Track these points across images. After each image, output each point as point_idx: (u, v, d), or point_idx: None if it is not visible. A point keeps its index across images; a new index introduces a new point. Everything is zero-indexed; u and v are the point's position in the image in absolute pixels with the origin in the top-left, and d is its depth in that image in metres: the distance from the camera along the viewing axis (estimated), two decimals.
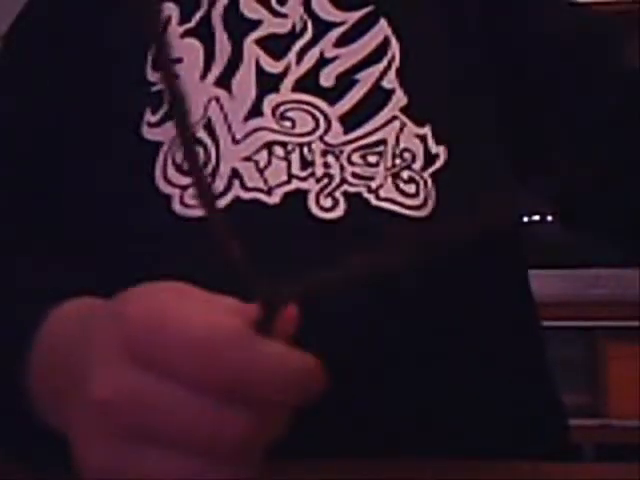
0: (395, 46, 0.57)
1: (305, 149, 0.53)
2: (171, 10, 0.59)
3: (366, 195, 0.52)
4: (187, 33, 0.58)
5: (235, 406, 0.31)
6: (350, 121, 0.55)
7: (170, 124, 0.55)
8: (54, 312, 0.41)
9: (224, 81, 0.56)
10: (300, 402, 0.32)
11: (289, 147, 0.54)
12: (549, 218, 2.17)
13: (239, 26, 0.58)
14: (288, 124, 0.54)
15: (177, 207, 0.52)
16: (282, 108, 0.55)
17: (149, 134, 0.55)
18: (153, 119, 0.56)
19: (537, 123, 0.58)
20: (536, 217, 2.17)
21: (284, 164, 0.53)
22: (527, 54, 0.58)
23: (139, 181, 0.54)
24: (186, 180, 0.53)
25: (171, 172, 0.53)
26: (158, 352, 0.31)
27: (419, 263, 0.28)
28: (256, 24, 0.58)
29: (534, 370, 0.60)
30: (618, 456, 1.83)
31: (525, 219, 2.19)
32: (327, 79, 0.56)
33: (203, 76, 0.56)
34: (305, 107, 0.55)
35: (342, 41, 0.57)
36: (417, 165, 0.53)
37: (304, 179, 0.53)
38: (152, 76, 0.57)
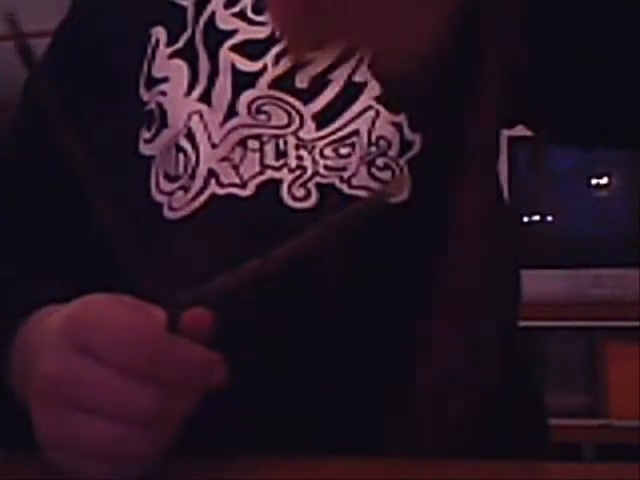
0: None
1: (280, 141, 0.55)
2: (159, 34, 0.61)
3: (339, 185, 0.53)
4: (174, 54, 0.60)
5: (147, 384, 0.39)
6: (324, 118, 0.56)
7: (160, 139, 0.57)
8: (34, 315, 0.48)
9: (205, 97, 0.58)
10: (201, 389, 0.41)
11: (264, 139, 0.55)
12: (549, 218, 2.17)
13: (215, 39, 0.59)
14: (263, 117, 0.56)
15: (167, 213, 0.55)
16: (258, 102, 0.56)
17: (144, 150, 0.57)
18: (148, 136, 0.58)
19: None
20: (536, 217, 2.17)
21: (258, 155, 0.55)
22: None
23: (136, 194, 0.56)
24: (172, 186, 0.56)
25: (161, 181, 0.56)
26: (92, 341, 0.40)
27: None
28: (231, 33, 0.59)
29: (513, 368, 0.60)
30: (618, 456, 1.83)
31: (525, 219, 2.19)
32: (302, 81, 0.57)
33: (187, 93, 0.58)
34: (280, 104, 0.56)
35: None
36: (392, 152, 0.54)
37: (278, 169, 0.54)
38: (145, 96, 0.59)
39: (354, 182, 0.53)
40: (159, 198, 0.56)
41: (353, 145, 0.54)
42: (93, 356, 0.40)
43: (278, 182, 0.54)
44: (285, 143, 0.55)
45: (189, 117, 0.57)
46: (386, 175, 0.53)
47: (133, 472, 0.41)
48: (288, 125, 0.55)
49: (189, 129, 0.57)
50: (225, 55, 0.59)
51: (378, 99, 0.55)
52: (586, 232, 2.14)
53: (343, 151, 0.54)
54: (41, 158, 0.61)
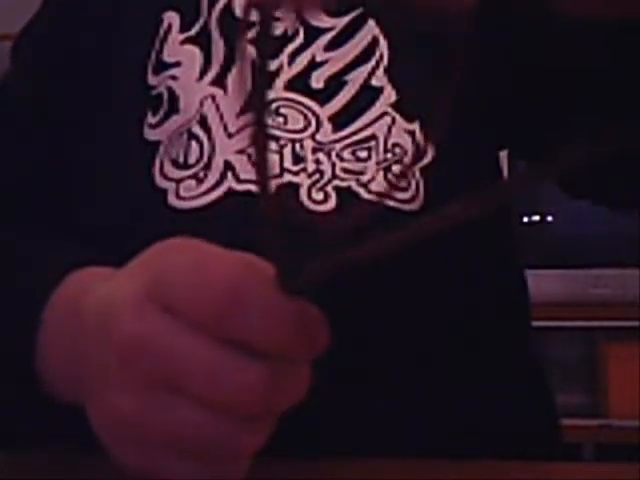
0: (383, 45, 0.58)
1: (297, 145, 0.55)
2: (172, 19, 0.60)
3: (356, 189, 0.53)
4: (187, 40, 0.59)
5: (256, 359, 0.31)
6: (340, 120, 0.55)
7: (168, 124, 0.56)
8: (70, 277, 0.41)
9: (220, 80, 0.57)
10: (307, 357, 0.33)
11: (282, 142, 0.55)
12: (549, 218, 2.17)
13: (233, 27, 0.59)
14: (281, 120, 0.55)
15: (173, 200, 0.54)
16: (275, 104, 0.56)
17: (149, 135, 0.56)
18: (153, 120, 0.57)
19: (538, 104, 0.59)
20: (536, 217, 2.17)
21: (276, 157, 0.54)
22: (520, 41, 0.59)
23: (138, 179, 0.55)
24: (181, 174, 0.54)
25: (167, 167, 0.55)
26: (183, 300, 0.32)
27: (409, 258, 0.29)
28: (249, 25, 0.59)
29: (526, 369, 0.60)
30: (618, 456, 1.83)
31: (525, 219, 2.20)
32: (317, 81, 0.57)
33: (200, 77, 0.57)
34: (296, 106, 0.56)
35: (332, 45, 0.58)
36: (407, 160, 0.54)
37: (296, 173, 0.54)
38: (152, 80, 0.58)
39: (372, 187, 0.53)
40: (164, 184, 0.54)
41: (370, 149, 0.54)
42: (186, 320, 0.31)
43: (297, 186, 0.53)
44: (302, 147, 0.54)
45: (202, 102, 0.56)
46: (401, 182, 0.53)
47: (230, 474, 0.34)
48: (305, 128, 0.55)
49: (202, 116, 0.56)
50: (244, 47, 0.58)
51: (393, 106, 0.56)
52: (586, 232, 2.14)
53: (361, 154, 0.54)
54: (30, 126, 0.61)
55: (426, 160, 0.54)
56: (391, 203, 0.53)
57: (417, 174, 0.54)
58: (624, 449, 1.84)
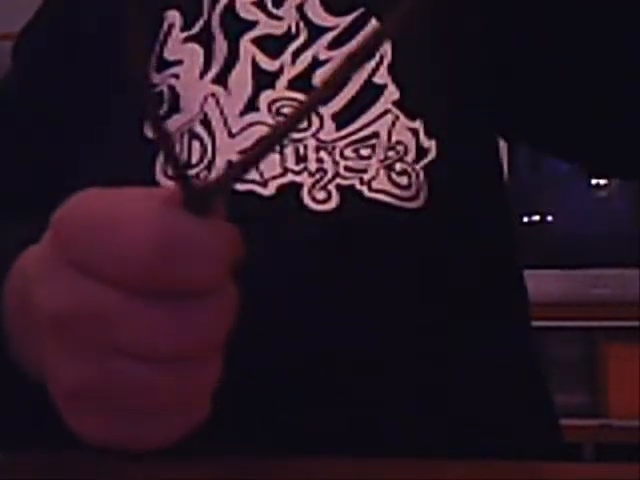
0: (386, 43, 0.58)
1: (299, 145, 0.55)
2: (174, 17, 0.60)
3: (359, 187, 0.53)
4: (189, 39, 0.59)
5: (187, 303, 0.30)
6: (343, 118, 0.55)
7: (170, 123, 0.56)
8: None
9: (221, 79, 0.57)
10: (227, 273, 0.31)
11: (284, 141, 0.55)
12: (549, 218, 2.17)
13: (236, 27, 0.59)
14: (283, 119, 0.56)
15: None
16: (277, 104, 0.56)
17: (150, 133, 0.56)
18: None
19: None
20: (536, 217, 2.17)
21: (278, 157, 0.54)
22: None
23: (140, 177, 0.55)
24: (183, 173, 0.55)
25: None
26: (85, 255, 0.30)
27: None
28: (252, 24, 0.59)
29: (526, 369, 0.60)
30: (618, 456, 1.83)
31: (525, 219, 2.20)
32: (320, 80, 0.57)
33: (201, 75, 0.58)
34: (299, 105, 0.56)
35: (335, 44, 0.58)
36: (409, 158, 0.54)
37: (298, 173, 0.54)
38: (155, 78, 0.58)
39: (374, 185, 0.53)
40: (166, 183, 0.54)
41: (373, 147, 0.54)
42: (112, 281, 0.30)
43: (299, 185, 0.53)
44: (305, 147, 0.54)
45: (204, 101, 0.57)
46: (403, 180, 0.54)
47: (196, 417, 0.32)
48: (307, 127, 0.55)
49: (205, 115, 0.56)
50: (246, 46, 0.58)
51: (396, 104, 0.56)
52: (586, 232, 2.14)
53: (363, 152, 0.54)
54: (33, 121, 0.61)
55: (428, 158, 0.55)
56: (393, 201, 0.53)
57: (420, 172, 0.54)
58: (624, 449, 1.84)
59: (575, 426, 1.92)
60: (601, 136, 0.59)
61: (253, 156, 0.29)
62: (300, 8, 0.59)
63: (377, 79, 0.57)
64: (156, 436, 0.32)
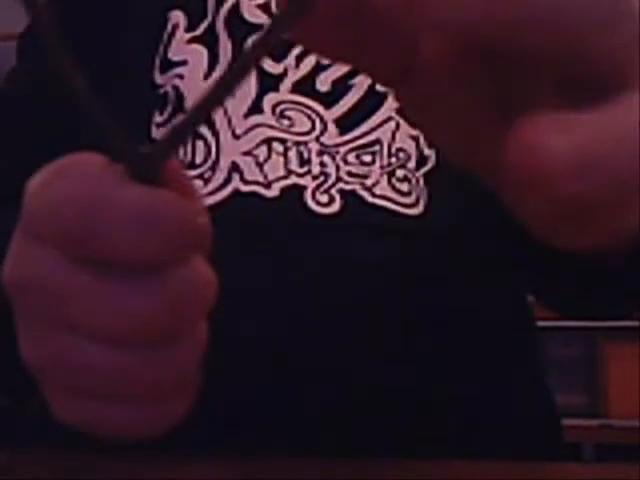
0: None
1: (302, 148, 0.55)
2: (179, 18, 0.60)
3: (361, 192, 0.54)
4: (193, 40, 0.60)
5: (140, 274, 0.27)
6: (345, 123, 0.56)
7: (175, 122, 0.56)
8: None
9: None
10: (195, 250, 0.28)
11: (288, 144, 0.55)
12: None
13: (241, 29, 0.59)
14: (287, 122, 0.56)
15: None
16: (281, 107, 0.56)
17: (156, 134, 0.57)
18: (160, 119, 0.57)
19: None
20: None
21: (282, 159, 0.55)
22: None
23: None
24: (188, 174, 0.55)
25: None
26: (38, 221, 0.28)
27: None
28: (257, 27, 0.59)
29: (529, 369, 0.60)
30: (618, 456, 1.83)
31: None
32: (323, 84, 0.57)
33: (206, 76, 0.58)
34: (302, 109, 0.56)
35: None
36: (411, 165, 0.55)
37: (301, 175, 0.54)
38: (159, 79, 0.59)
39: (376, 191, 0.54)
40: None
41: (375, 153, 0.55)
42: (49, 246, 0.27)
43: (302, 188, 0.54)
44: (308, 150, 0.55)
45: None
46: (404, 187, 0.54)
47: (169, 413, 0.29)
48: (311, 131, 0.55)
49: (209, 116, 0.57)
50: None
51: (398, 111, 0.56)
52: None
53: (365, 158, 0.55)
54: (40, 109, 0.62)
55: (428, 166, 0.55)
56: (394, 207, 0.53)
57: (420, 179, 0.54)
58: (624, 449, 1.84)
59: (575, 426, 1.92)
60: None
61: (193, 117, 0.27)
62: None
63: (380, 86, 0.57)
64: (127, 423, 0.29)
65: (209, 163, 0.55)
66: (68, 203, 0.26)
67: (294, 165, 0.54)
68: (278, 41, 0.25)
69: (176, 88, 0.57)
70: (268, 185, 0.54)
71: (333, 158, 0.54)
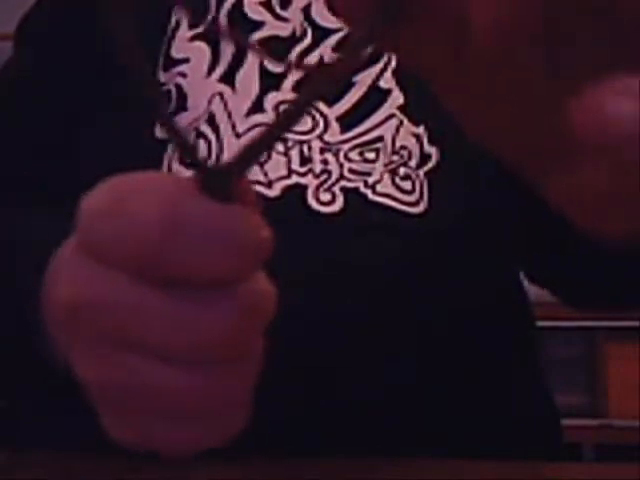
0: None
1: (304, 147, 0.55)
2: (181, 15, 0.60)
3: (363, 190, 0.54)
4: (196, 37, 0.59)
5: (208, 294, 0.27)
6: (348, 121, 0.56)
7: (178, 120, 0.56)
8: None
9: (228, 78, 0.57)
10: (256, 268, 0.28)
11: (289, 143, 0.55)
12: None
13: (243, 26, 0.59)
14: None
15: None
16: (283, 106, 0.56)
17: (159, 132, 0.56)
18: None
19: None
20: None
21: (284, 159, 0.54)
22: None
23: (146, 161, 0.55)
24: (189, 173, 0.54)
25: (175, 166, 0.55)
26: (105, 243, 0.27)
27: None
28: (259, 25, 0.59)
29: (528, 370, 0.60)
30: (618, 456, 1.83)
31: None
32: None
33: (208, 74, 0.58)
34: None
35: (341, 46, 0.58)
36: (413, 163, 0.55)
37: (303, 174, 0.54)
38: (162, 77, 0.58)
39: (378, 189, 0.54)
40: (180, 170, 0.55)
41: (378, 151, 0.55)
42: (119, 268, 0.27)
43: (303, 187, 0.54)
44: (310, 148, 0.55)
45: (210, 100, 0.57)
46: (406, 185, 0.54)
47: (229, 427, 0.30)
48: (313, 129, 0.55)
49: (211, 114, 0.56)
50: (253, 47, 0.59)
51: (401, 108, 0.56)
52: None
53: (368, 156, 0.55)
54: (40, 98, 0.61)
55: (430, 164, 0.55)
56: (396, 205, 0.53)
57: (422, 177, 0.54)
58: (624, 449, 1.84)
59: (575, 426, 1.92)
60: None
61: (267, 138, 0.27)
62: (306, 10, 0.59)
63: (382, 83, 0.57)
64: (189, 441, 0.29)
65: (210, 162, 0.55)
66: (143, 226, 0.26)
67: (296, 164, 0.54)
68: (369, 45, 0.25)
69: (179, 86, 0.57)
70: (269, 185, 0.54)
71: (336, 155, 0.54)
